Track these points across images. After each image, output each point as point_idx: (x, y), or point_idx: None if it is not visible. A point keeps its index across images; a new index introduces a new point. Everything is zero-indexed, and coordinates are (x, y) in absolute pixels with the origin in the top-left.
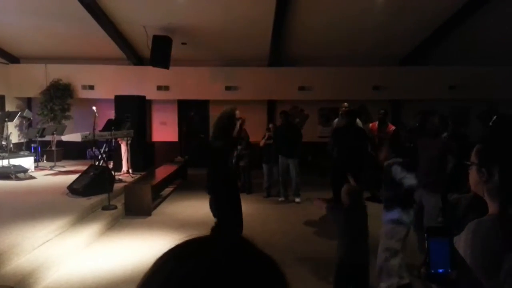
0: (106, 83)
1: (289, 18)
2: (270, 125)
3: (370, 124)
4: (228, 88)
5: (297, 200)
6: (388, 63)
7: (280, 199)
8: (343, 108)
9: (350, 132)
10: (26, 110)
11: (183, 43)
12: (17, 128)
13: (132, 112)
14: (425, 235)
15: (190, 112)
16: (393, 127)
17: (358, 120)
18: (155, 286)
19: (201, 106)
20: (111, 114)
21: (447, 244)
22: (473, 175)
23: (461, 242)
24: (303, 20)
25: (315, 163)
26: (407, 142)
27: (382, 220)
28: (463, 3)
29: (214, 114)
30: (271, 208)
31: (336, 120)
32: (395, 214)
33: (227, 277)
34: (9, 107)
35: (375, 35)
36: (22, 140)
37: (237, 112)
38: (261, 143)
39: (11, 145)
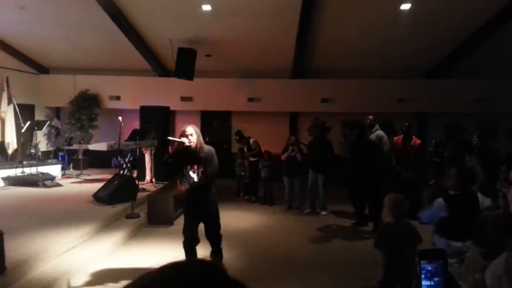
0: (132, 94)
1: (313, 30)
2: (292, 138)
3: (395, 138)
4: (250, 99)
5: (323, 213)
6: (414, 76)
7: (306, 210)
8: (368, 121)
9: (361, 144)
10: (55, 119)
11: (207, 55)
12: (46, 136)
13: (157, 122)
14: (417, 259)
15: (213, 123)
16: (418, 141)
17: (381, 132)
18: None
19: (224, 117)
20: (136, 124)
21: (441, 268)
22: None
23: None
24: (327, 32)
25: (338, 176)
26: (433, 157)
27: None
28: (490, 16)
29: (236, 125)
30: (293, 220)
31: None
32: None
33: None
34: (38, 116)
35: (401, 47)
36: (50, 149)
37: (187, 128)
38: (283, 157)
39: (40, 153)
